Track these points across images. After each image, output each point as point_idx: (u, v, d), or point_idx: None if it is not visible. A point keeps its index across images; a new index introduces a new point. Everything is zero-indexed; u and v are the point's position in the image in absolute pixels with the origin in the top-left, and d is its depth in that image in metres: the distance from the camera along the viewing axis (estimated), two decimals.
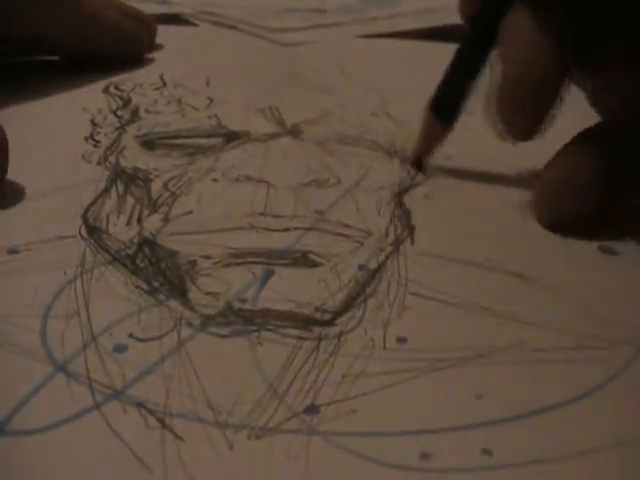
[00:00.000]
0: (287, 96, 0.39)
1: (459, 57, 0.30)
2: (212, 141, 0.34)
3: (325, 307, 0.23)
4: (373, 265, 0.25)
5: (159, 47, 0.48)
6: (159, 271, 0.24)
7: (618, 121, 0.28)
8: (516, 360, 0.21)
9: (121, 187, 0.29)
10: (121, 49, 0.43)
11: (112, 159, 0.32)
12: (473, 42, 0.30)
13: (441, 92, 0.31)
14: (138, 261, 0.24)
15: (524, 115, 0.28)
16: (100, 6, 0.43)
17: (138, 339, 0.21)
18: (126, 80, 0.42)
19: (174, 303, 0.23)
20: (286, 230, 0.27)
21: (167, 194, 0.29)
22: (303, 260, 0.25)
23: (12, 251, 0.25)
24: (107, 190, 0.29)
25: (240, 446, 0.18)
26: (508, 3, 0.27)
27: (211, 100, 0.39)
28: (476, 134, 0.30)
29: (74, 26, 0.40)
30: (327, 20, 0.56)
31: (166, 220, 0.27)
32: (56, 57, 0.43)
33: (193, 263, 0.24)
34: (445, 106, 0.31)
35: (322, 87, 0.41)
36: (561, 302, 0.23)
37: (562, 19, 0.26)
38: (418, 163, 0.32)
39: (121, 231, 0.26)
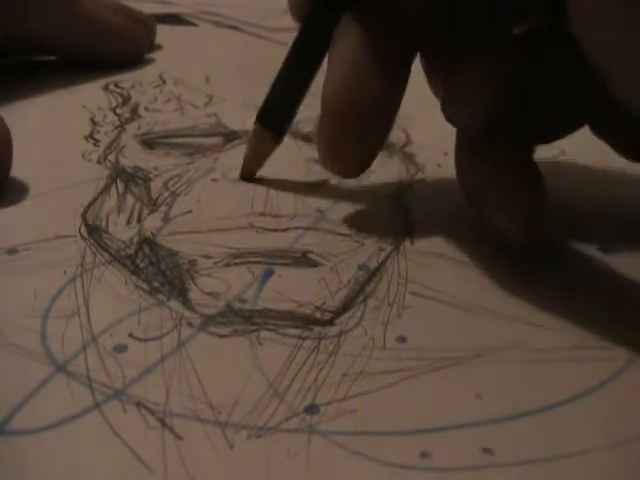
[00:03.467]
0: None
1: (288, 61, 0.28)
2: (212, 140, 0.34)
3: (325, 307, 0.23)
4: (373, 265, 0.25)
5: (159, 47, 0.48)
6: (159, 271, 0.24)
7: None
8: (516, 360, 0.21)
9: (121, 186, 0.29)
10: (121, 50, 0.44)
11: (112, 158, 0.32)
12: (302, 44, 0.28)
13: (269, 101, 0.29)
14: (138, 261, 0.24)
15: (347, 150, 0.25)
16: (100, 7, 0.43)
17: (138, 339, 0.21)
18: (126, 79, 0.42)
19: (174, 303, 0.23)
20: (286, 230, 0.27)
21: (167, 193, 0.29)
22: (303, 260, 0.25)
23: (11, 251, 0.25)
24: (107, 189, 0.29)
25: (240, 445, 0.18)
26: (340, 5, 0.25)
27: (211, 98, 0.39)
28: None
29: (74, 27, 0.40)
30: None
31: (166, 219, 0.27)
32: (56, 57, 0.43)
33: (193, 263, 0.24)
34: (274, 116, 0.29)
35: (322, 87, 0.41)
36: (561, 302, 0.23)
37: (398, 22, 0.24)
38: (248, 177, 0.30)
39: (121, 230, 0.26)
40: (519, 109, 0.24)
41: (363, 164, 0.26)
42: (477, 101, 0.24)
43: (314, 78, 0.27)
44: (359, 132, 0.25)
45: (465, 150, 0.25)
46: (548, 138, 0.26)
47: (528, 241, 0.24)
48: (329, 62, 0.25)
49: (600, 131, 0.26)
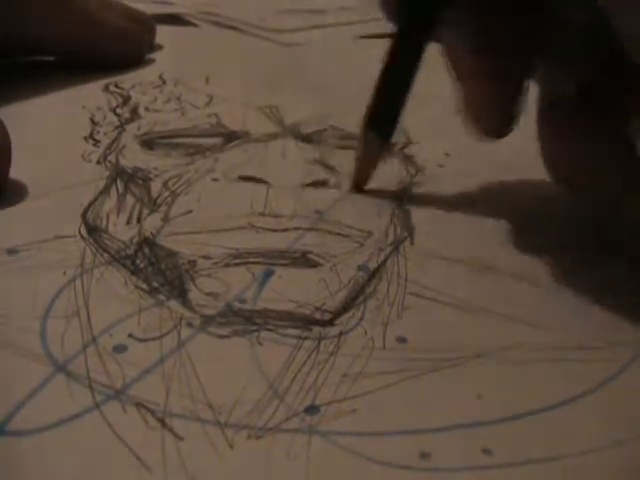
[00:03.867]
0: (287, 96, 0.39)
1: (389, 63, 0.28)
2: (212, 141, 0.34)
3: (325, 307, 0.23)
4: (373, 265, 0.25)
5: (159, 47, 0.48)
6: (159, 271, 0.24)
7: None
8: (516, 360, 0.21)
9: (121, 186, 0.29)
10: (121, 50, 0.43)
11: (112, 158, 0.32)
12: (401, 43, 0.28)
13: (375, 105, 0.29)
14: (138, 261, 0.24)
15: (489, 118, 0.27)
16: (100, 7, 0.43)
17: (138, 339, 0.21)
18: (126, 79, 0.42)
19: (174, 303, 0.23)
20: (286, 230, 0.26)
21: (167, 193, 0.29)
22: (303, 260, 0.25)
23: (11, 251, 0.25)
24: (107, 190, 0.29)
25: (240, 446, 0.18)
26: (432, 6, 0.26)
27: (211, 98, 0.39)
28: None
29: (73, 28, 0.40)
30: (327, 20, 0.56)
31: (166, 220, 0.27)
32: (56, 58, 0.43)
33: (193, 263, 0.24)
34: (382, 120, 0.29)
35: (322, 87, 0.41)
36: (561, 302, 0.23)
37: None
38: (360, 186, 0.30)
39: (121, 231, 0.26)
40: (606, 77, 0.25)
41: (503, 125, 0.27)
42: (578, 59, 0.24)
43: (414, 79, 0.28)
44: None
45: (557, 122, 0.25)
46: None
47: (623, 209, 0.24)
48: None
49: None
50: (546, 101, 0.26)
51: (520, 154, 0.30)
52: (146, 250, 0.25)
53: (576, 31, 0.24)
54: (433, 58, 0.27)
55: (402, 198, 0.29)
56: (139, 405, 0.19)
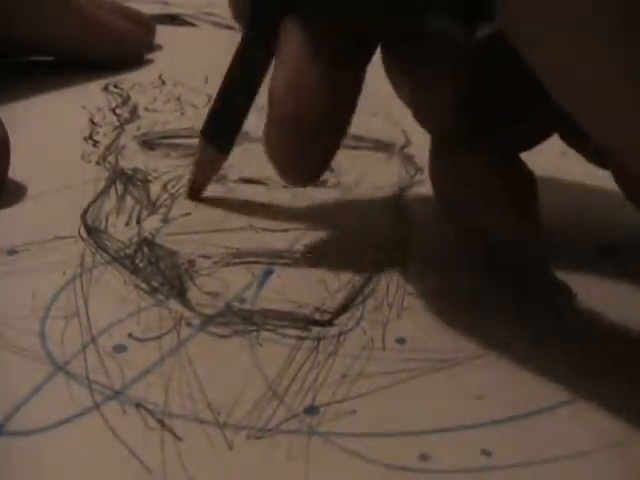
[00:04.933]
0: None
1: (230, 71, 0.27)
2: None
3: (324, 307, 0.23)
4: (372, 265, 0.25)
5: (158, 48, 0.48)
6: (158, 271, 0.24)
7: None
8: (516, 360, 0.21)
9: (120, 188, 0.29)
10: (121, 51, 0.43)
11: (111, 159, 0.32)
12: (244, 49, 0.26)
13: (212, 115, 0.27)
14: (137, 261, 0.24)
15: (296, 158, 0.24)
16: (99, 8, 0.43)
17: (137, 339, 0.21)
18: (125, 80, 0.42)
19: (173, 303, 0.23)
20: (285, 230, 0.26)
21: (166, 195, 0.29)
22: (302, 260, 0.25)
23: (11, 252, 0.25)
24: (106, 190, 0.29)
25: (240, 446, 0.18)
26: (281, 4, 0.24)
27: (210, 98, 0.39)
28: None
29: (73, 28, 0.40)
30: None
31: (165, 220, 0.27)
32: (56, 58, 0.43)
33: (192, 263, 0.24)
34: (219, 130, 0.28)
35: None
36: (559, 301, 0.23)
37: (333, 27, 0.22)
38: (195, 195, 0.28)
39: (120, 231, 0.26)
40: (489, 112, 0.23)
41: (312, 174, 0.25)
42: (447, 104, 0.23)
43: (260, 87, 0.26)
44: (305, 142, 0.23)
45: (443, 158, 0.24)
46: (521, 145, 0.25)
47: (523, 243, 0.23)
48: (274, 65, 0.24)
49: (568, 139, 0.25)
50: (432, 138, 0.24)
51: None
52: (145, 250, 0.25)
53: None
54: None
55: (402, 198, 0.29)
56: (138, 405, 0.19)
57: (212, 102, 0.27)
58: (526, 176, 0.23)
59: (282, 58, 0.23)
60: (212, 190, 0.29)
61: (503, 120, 0.23)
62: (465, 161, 0.23)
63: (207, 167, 0.28)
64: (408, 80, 0.23)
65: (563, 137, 0.25)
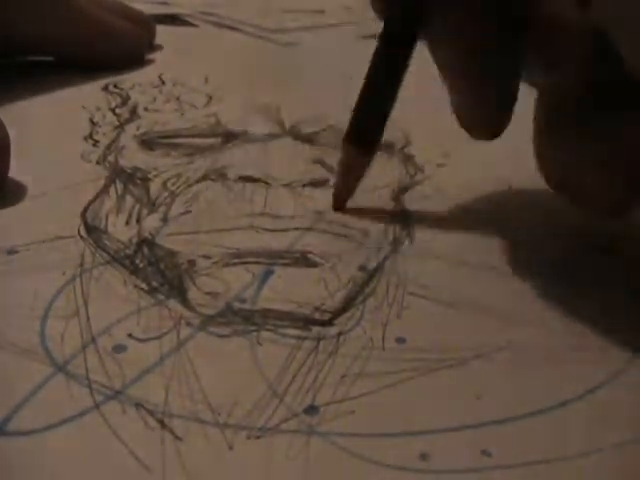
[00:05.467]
0: (287, 96, 0.39)
1: (374, 69, 0.27)
2: (211, 141, 0.34)
3: (324, 307, 0.23)
4: (372, 265, 0.25)
5: (158, 48, 0.48)
6: (158, 271, 0.24)
7: None
8: (516, 360, 0.21)
9: (120, 187, 0.29)
10: (121, 51, 0.43)
11: (111, 158, 0.32)
12: (387, 46, 0.27)
13: (357, 118, 0.28)
14: (137, 261, 0.24)
15: (477, 118, 0.26)
16: (99, 8, 0.43)
17: (137, 339, 0.21)
18: (125, 80, 0.42)
19: (173, 303, 0.23)
20: (285, 230, 0.26)
21: (166, 194, 0.29)
22: (302, 260, 0.25)
23: (11, 251, 0.25)
24: (106, 190, 0.29)
25: (239, 446, 0.18)
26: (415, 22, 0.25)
27: (210, 98, 0.39)
28: None
29: (73, 28, 0.40)
30: (327, 20, 0.56)
31: (165, 220, 0.27)
32: (56, 58, 0.43)
33: (192, 263, 0.24)
34: (364, 134, 0.28)
35: (322, 87, 0.41)
36: (561, 303, 0.23)
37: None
38: (341, 204, 0.28)
39: (120, 231, 0.26)
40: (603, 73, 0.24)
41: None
42: (573, 55, 0.24)
43: (401, 83, 0.27)
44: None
45: (555, 123, 0.24)
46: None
47: (624, 213, 0.24)
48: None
49: None
50: (545, 105, 0.25)
51: (520, 153, 0.30)
52: (145, 250, 0.25)
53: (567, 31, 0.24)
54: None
55: (401, 198, 0.29)
56: (138, 405, 0.19)
57: (355, 104, 0.27)
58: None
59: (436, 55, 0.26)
60: (212, 189, 0.29)
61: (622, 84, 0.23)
62: (581, 129, 0.23)
63: (353, 172, 0.28)
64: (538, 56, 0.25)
65: None
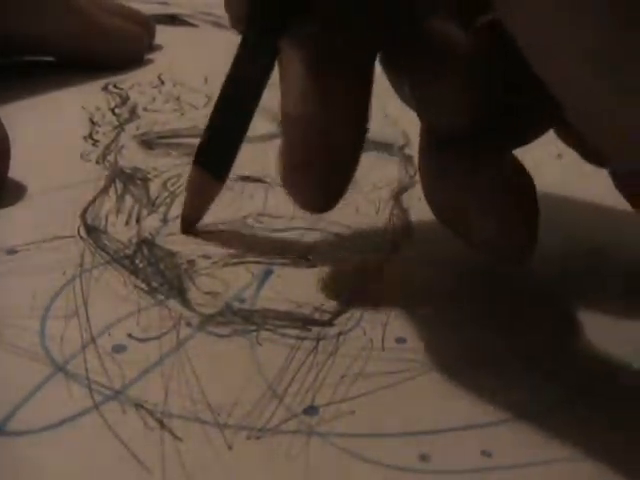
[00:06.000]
0: None
1: (228, 88, 0.24)
2: None
3: (324, 307, 0.23)
4: (372, 265, 0.25)
5: (158, 48, 0.48)
6: (158, 271, 0.24)
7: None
8: (516, 360, 0.21)
9: (120, 187, 0.29)
10: (120, 51, 0.44)
11: (111, 158, 0.32)
12: (241, 63, 0.24)
13: (207, 139, 0.25)
14: (137, 261, 0.24)
15: (309, 186, 0.22)
16: (99, 8, 0.43)
17: (137, 339, 0.21)
18: (125, 80, 0.42)
19: (173, 303, 0.23)
20: (285, 230, 0.26)
21: (166, 194, 0.29)
22: (302, 260, 0.25)
23: (11, 251, 0.25)
24: (106, 190, 0.29)
25: (239, 446, 0.18)
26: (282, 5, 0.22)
27: (210, 98, 0.39)
28: None
29: (73, 28, 0.40)
30: None
31: (165, 220, 0.27)
32: (55, 58, 0.43)
33: (192, 263, 0.24)
34: (215, 156, 0.25)
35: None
36: (561, 303, 0.23)
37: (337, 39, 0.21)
38: (188, 227, 0.26)
39: (120, 231, 0.26)
40: (494, 110, 0.22)
41: (327, 204, 0.23)
42: (464, 103, 0.21)
43: (258, 103, 0.24)
44: (321, 174, 0.22)
45: (439, 161, 0.22)
46: (517, 141, 0.23)
47: (524, 257, 0.22)
48: (281, 83, 0.22)
49: (564, 136, 0.24)
50: (430, 139, 0.22)
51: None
52: (145, 250, 0.25)
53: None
54: None
55: (401, 198, 0.29)
56: (138, 405, 0.19)
57: (206, 125, 0.25)
58: (527, 181, 0.22)
59: (287, 82, 0.22)
60: None
61: (503, 115, 0.22)
62: (466, 164, 0.22)
63: (202, 196, 0.26)
64: (408, 80, 0.22)
65: (559, 133, 0.24)
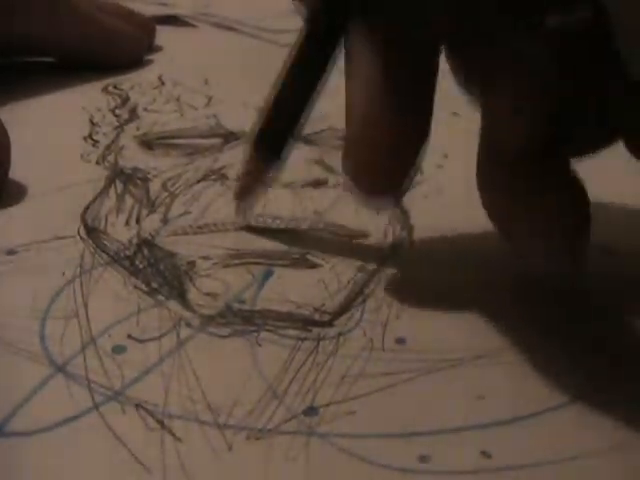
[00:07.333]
0: None
1: (289, 75, 0.24)
2: (211, 141, 0.34)
3: (324, 308, 0.23)
4: (372, 266, 0.25)
5: (158, 49, 0.48)
6: (158, 272, 0.24)
7: None
8: (516, 360, 0.21)
9: (120, 187, 0.29)
10: (120, 52, 0.43)
11: (111, 159, 0.32)
12: (308, 44, 0.23)
13: (264, 123, 0.25)
14: (137, 262, 0.24)
15: (373, 175, 0.22)
16: (99, 9, 0.43)
17: (137, 340, 0.21)
18: (125, 80, 0.42)
19: (173, 304, 0.23)
20: (285, 230, 0.26)
21: (166, 194, 0.29)
22: (302, 261, 0.25)
23: (11, 252, 0.25)
24: (106, 190, 0.29)
25: (239, 447, 0.18)
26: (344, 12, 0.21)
27: (210, 99, 0.39)
28: (474, 133, 0.29)
29: (73, 29, 0.40)
30: None
31: (165, 220, 0.27)
32: (55, 59, 0.43)
33: (192, 264, 0.24)
34: (270, 140, 0.25)
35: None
36: (561, 303, 0.23)
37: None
38: (243, 211, 0.26)
39: (120, 231, 0.26)
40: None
41: (394, 188, 0.23)
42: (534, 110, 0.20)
43: (319, 91, 0.24)
44: (388, 166, 0.22)
45: (499, 171, 0.22)
46: (579, 152, 0.22)
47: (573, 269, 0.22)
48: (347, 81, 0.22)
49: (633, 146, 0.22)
50: (492, 153, 0.22)
51: None
52: (145, 251, 0.25)
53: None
54: None
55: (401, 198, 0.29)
56: (138, 406, 0.19)
57: (264, 108, 0.25)
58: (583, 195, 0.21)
59: (355, 74, 0.22)
60: (212, 189, 0.29)
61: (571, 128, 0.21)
62: (535, 183, 0.21)
63: (255, 177, 0.26)
64: (476, 83, 0.22)
65: (629, 147, 0.22)
